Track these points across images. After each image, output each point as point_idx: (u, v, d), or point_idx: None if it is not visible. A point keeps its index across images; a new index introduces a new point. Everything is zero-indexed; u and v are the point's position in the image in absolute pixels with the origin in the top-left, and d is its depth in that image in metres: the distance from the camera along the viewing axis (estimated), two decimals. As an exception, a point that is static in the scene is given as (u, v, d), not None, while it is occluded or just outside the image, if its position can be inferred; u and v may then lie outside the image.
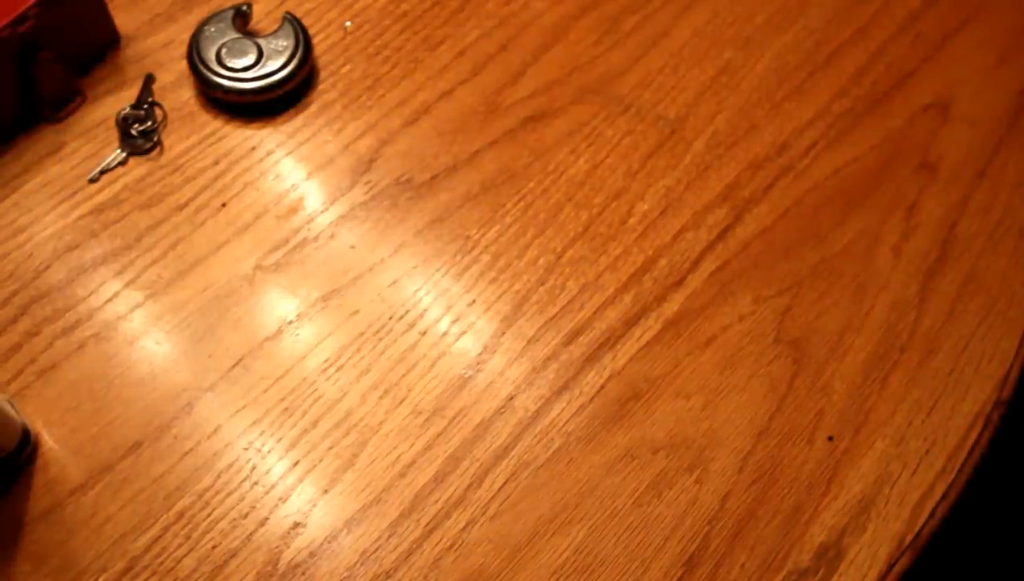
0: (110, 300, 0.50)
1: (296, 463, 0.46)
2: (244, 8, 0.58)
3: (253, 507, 0.45)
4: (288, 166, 0.55)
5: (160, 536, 0.44)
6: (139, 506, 0.45)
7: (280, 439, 0.47)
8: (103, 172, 0.54)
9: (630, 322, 0.51)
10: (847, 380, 0.49)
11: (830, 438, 0.48)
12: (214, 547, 0.44)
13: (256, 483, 0.46)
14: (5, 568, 0.43)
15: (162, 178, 0.54)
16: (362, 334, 0.50)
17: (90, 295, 0.51)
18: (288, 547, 0.44)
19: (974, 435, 0.48)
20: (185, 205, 0.54)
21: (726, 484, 0.46)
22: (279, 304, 0.51)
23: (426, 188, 0.55)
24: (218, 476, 0.46)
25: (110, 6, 0.58)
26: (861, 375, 0.50)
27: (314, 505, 0.45)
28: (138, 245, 0.52)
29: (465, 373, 0.49)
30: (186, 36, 0.57)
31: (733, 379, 0.49)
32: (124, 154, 0.55)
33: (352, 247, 0.53)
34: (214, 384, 0.48)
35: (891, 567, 0.45)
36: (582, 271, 0.52)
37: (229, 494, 0.46)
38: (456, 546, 0.44)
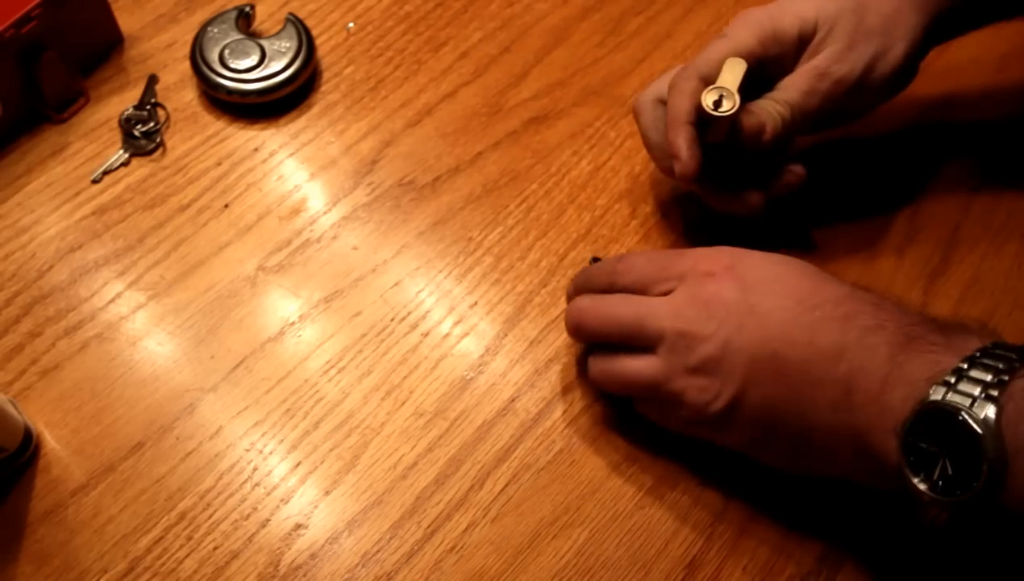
0: (112, 301, 0.51)
1: (298, 464, 0.46)
2: (247, 9, 0.58)
3: (255, 508, 0.45)
4: (291, 167, 0.55)
5: (162, 537, 0.44)
6: (141, 507, 0.45)
7: (282, 440, 0.47)
8: (106, 173, 0.55)
9: (632, 324, 0.51)
10: (849, 383, 0.49)
11: (832, 441, 0.47)
12: (216, 548, 0.44)
13: (258, 484, 0.46)
14: (7, 568, 0.43)
15: (165, 179, 0.54)
16: (364, 335, 0.50)
17: (93, 296, 0.51)
18: (289, 548, 0.44)
19: (977, 438, 0.48)
20: (188, 206, 0.54)
21: (728, 487, 0.46)
22: (281, 305, 0.51)
23: (429, 189, 0.55)
24: (220, 477, 0.46)
25: (113, 7, 0.58)
26: (863, 378, 0.49)
27: (315, 506, 0.45)
28: (141, 246, 0.52)
29: (467, 375, 0.49)
30: (189, 37, 0.58)
31: (735, 382, 0.49)
32: (127, 155, 0.55)
33: (354, 248, 0.53)
34: (216, 385, 0.48)
35: (893, 571, 0.44)
36: (584, 273, 0.52)
37: (231, 495, 0.46)
38: (457, 548, 0.44)
